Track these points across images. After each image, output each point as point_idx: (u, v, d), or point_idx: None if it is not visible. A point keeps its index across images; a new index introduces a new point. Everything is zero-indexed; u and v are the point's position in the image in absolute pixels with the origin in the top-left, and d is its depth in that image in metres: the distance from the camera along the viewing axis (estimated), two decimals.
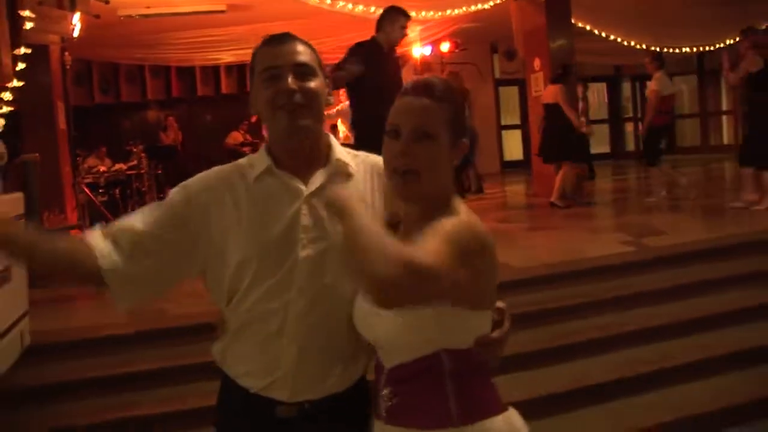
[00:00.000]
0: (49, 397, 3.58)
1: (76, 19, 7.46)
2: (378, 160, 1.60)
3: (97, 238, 1.56)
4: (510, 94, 15.97)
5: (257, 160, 1.64)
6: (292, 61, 1.58)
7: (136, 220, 1.60)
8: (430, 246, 1.27)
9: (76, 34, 7.61)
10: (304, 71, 1.58)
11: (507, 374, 1.36)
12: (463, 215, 1.44)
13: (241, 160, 1.69)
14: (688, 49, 12.69)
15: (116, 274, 1.54)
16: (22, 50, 5.90)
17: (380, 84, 4.81)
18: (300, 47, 1.61)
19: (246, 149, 12.21)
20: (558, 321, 4.29)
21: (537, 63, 9.15)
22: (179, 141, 12.85)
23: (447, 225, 1.35)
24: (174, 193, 1.64)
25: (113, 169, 11.21)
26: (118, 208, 10.36)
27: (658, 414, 3.57)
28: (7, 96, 5.68)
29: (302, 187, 1.59)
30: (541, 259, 5.29)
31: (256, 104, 1.63)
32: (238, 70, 13.93)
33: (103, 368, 3.79)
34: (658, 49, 10.68)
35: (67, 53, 8.14)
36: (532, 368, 3.80)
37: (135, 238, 1.56)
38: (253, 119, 12.13)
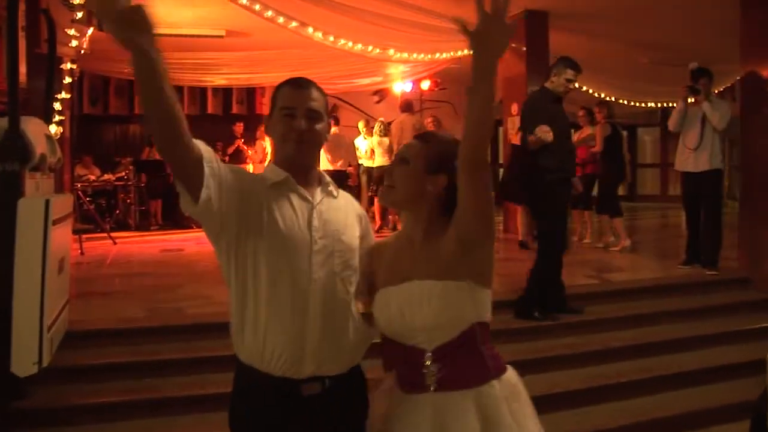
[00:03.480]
0: (85, 377, 3.99)
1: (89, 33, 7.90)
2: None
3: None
4: None
5: (270, 172, 1.99)
6: (306, 106, 1.97)
7: None
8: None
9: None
10: (313, 116, 1.98)
11: None
12: None
13: (257, 173, 2.06)
14: (652, 104, 13.49)
15: (209, 163, 1.80)
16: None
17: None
18: (314, 94, 2.00)
19: None
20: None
21: (515, 107, 9.65)
22: None
23: None
24: (229, 169, 1.91)
25: (102, 178, 11.53)
26: (103, 217, 10.69)
27: (616, 419, 4.19)
28: None
29: (311, 198, 1.99)
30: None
31: (272, 132, 2.02)
32: (224, 92, 14.29)
33: (130, 355, 4.22)
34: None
35: (76, 65, 8.51)
36: None
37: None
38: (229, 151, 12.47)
